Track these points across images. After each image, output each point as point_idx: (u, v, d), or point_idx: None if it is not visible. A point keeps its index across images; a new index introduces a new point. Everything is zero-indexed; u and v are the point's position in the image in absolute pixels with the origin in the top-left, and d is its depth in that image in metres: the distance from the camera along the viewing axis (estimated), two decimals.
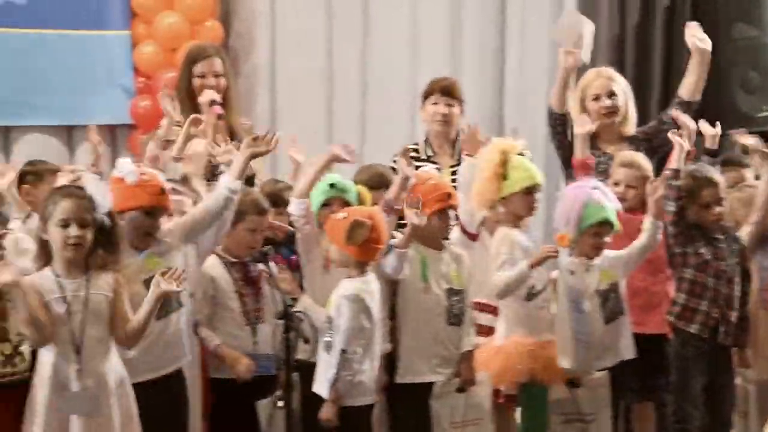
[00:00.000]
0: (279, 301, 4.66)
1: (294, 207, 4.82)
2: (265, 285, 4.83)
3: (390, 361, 4.88)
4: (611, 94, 5.66)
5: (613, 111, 5.65)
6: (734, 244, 5.21)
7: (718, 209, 5.13)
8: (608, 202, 5.01)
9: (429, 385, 4.85)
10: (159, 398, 4.33)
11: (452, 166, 5.54)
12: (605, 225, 4.98)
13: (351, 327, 4.53)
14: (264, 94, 8.25)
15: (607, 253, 5.05)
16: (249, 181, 5.05)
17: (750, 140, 5.44)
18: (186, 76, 5.49)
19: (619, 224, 5.02)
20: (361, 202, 4.95)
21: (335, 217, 4.66)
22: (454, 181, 5.36)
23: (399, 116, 7.75)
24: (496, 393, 5.04)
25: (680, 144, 5.16)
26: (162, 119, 5.29)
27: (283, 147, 5.53)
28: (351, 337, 4.53)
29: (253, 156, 4.59)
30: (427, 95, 5.76)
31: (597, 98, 5.66)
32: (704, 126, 5.47)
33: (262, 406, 4.60)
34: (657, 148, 5.63)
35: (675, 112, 5.50)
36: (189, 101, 5.38)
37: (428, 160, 5.66)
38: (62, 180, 4.69)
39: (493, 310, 5.22)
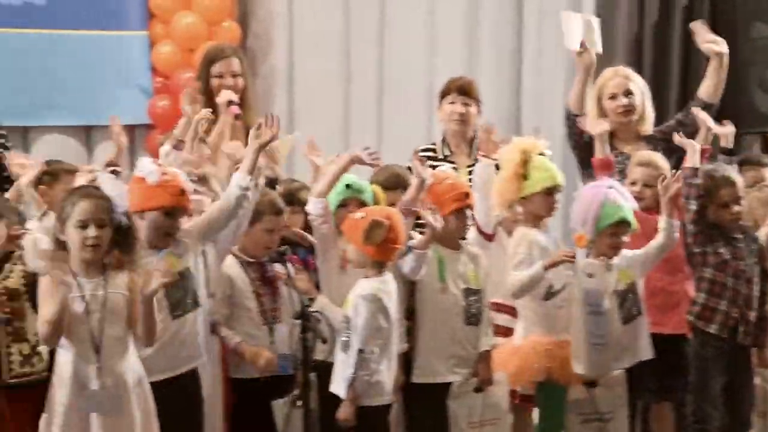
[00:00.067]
0: (296, 301, 4.67)
1: (312, 206, 4.82)
2: (281, 285, 4.84)
3: (407, 361, 4.88)
4: (628, 93, 5.65)
5: (629, 109, 5.64)
6: (753, 244, 5.20)
7: (736, 208, 5.12)
8: (625, 201, 5.00)
9: (446, 385, 4.85)
10: (174, 398, 4.33)
11: (469, 166, 5.53)
12: (623, 224, 4.97)
13: (368, 327, 4.53)
14: (281, 95, 8.26)
15: (625, 252, 5.04)
16: (271, 184, 5.06)
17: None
18: (204, 76, 5.51)
19: (637, 223, 5.01)
20: (375, 202, 4.95)
21: (353, 217, 4.66)
22: (471, 180, 5.35)
23: (416, 117, 7.74)
24: (513, 393, 5.03)
25: (690, 144, 5.15)
26: (180, 119, 5.30)
27: (301, 148, 5.56)
28: (368, 336, 4.53)
29: (262, 146, 4.56)
30: (444, 95, 5.76)
31: (614, 97, 5.65)
32: (718, 127, 5.46)
33: (279, 406, 4.61)
34: (675, 148, 5.61)
35: (695, 108, 5.49)
36: (207, 101, 5.39)
37: (445, 159, 5.66)
38: (80, 180, 4.71)
39: (510, 311, 5.22)
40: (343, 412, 4.53)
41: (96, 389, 4.03)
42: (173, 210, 4.42)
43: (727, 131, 5.49)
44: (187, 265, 4.47)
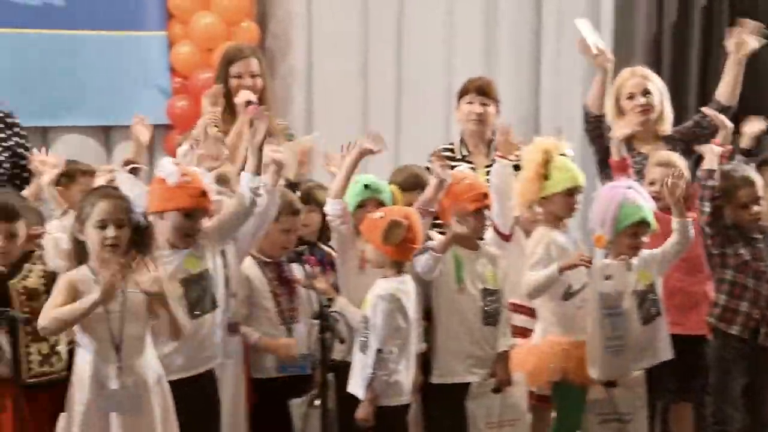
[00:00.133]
0: (314, 301, 4.68)
1: (330, 207, 4.83)
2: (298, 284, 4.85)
3: (425, 362, 4.88)
4: (646, 92, 5.64)
5: (647, 109, 5.62)
6: None
7: (755, 209, 5.10)
8: (644, 201, 4.99)
9: (465, 386, 4.84)
10: (192, 397, 4.34)
11: (487, 166, 5.51)
12: (642, 225, 4.96)
13: (387, 326, 4.53)
14: (300, 95, 8.26)
15: (642, 252, 5.02)
16: (292, 187, 5.07)
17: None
18: (223, 76, 5.51)
19: (656, 224, 4.99)
20: (394, 203, 4.96)
21: (372, 217, 4.67)
22: (488, 181, 5.35)
23: (434, 117, 7.74)
24: (531, 394, 5.03)
25: (710, 149, 5.13)
26: (199, 119, 5.30)
27: (319, 148, 5.55)
28: (387, 336, 4.54)
29: (261, 143, 4.51)
30: (462, 95, 5.75)
31: (632, 97, 5.64)
32: (749, 126, 5.44)
33: (297, 405, 4.62)
34: (693, 150, 5.60)
35: (710, 111, 5.47)
36: (225, 102, 5.39)
37: (463, 159, 5.65)
38: (99, 180, 4.73)
39: (528, 311, 5.21)
40: (362, 412, 4.53)
41: (116, 389, 4.05)
42: (193, 211, 4.42)
43: (755, 129, 5.46)
44: (207, 267, 4.48)
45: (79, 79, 7.81)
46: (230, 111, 5.33)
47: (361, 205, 4.89)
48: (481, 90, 5.71)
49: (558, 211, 5.06)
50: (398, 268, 4.64)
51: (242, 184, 4.52)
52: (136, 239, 4.15)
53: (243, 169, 4.96)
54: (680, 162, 5.35)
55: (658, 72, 6.10)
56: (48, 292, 4.26)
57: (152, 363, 4.17)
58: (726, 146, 5.28)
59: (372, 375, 4.51)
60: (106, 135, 8.05)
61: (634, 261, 5.01)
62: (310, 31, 8.26)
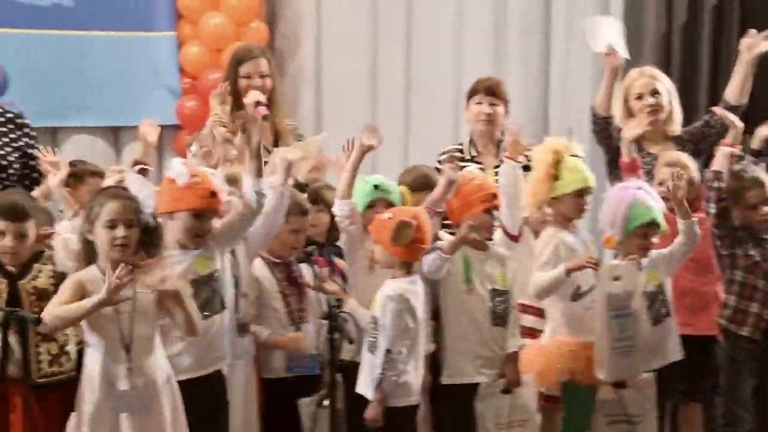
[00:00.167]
0: (323, 301, 4.68)
1: (338, 208, 4.84)
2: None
3: (433, 362, 4.88)
4: (654, 93, 5.63)
5: (656, 109, 5.62)
6: None
7: (765, 210, 5.09)
8: (654, 202, 4.98)
9: (473, 386, 4.84)
10: (201, 397, 4.35)
11: (496, 167, 5.50)
12: (652, 226, 4.95)
13: (396, 327, 4.53)
14: (309, 96, 8.26)
15: (651, 252, 5.01)
16: (300, 187, 5.07)
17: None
18: (232, 76, 5.51)
19: (666, 224, 4.98)
20: (403, 203, 4.95)
21: (380, 218, 4.67)
22: (497, 181, 5.34)
23: (443, 117, 7.73)
24: (540, 394, 5.02)
25: (722, 151, 5.12)
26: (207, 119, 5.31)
27: (328, 148, 5.56)
28: (396, 336, 4.54)
29: (257, 145, 4.50)
30: (471, 95, 5.75)
31: (640, 97, 5.63)
32: (762, 129, 5.43)
33: (306, 404, 4.62)
34: (702, 150, 5.60)
35: (721, 110, 5.46)
36: (235, 102, 5.40)
37: (472, 160, 5.65)
38: (109, 181, 4.73)
39: (537, 312, 5.21)
40: (371, 413, 4.53)
41: (126, 389, 4.05)
42: (203, 212, 4.43)
43: (766, 133, 5.45)
44: (216, 268, 4.48)
45: (88, 80, 7.83)
46: (239, 111, 5.32)
47: (370, 206, 4.89)
48: (490, 90, 5.70)
49: (567, 212, 5.05)
50: (407, 268, 4.64)
51: (245, 188, 4.51)
52: (145, 239, 4.16)
53: None
54: (689, 162, 5.34)
55: (668, 72, 6.10)
56: (57, 292, 4.27)
57: (161, 363, 4.18)
58: (736, 145, 5.27)
59: (381, 375, 4.51)
60: (116, 135, 8.06)
61: (644, 261, 5.00)
62: (319, 31, 8.26)
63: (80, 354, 4.37)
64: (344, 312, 4.51)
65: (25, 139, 5.41)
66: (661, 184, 5.28)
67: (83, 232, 4.15)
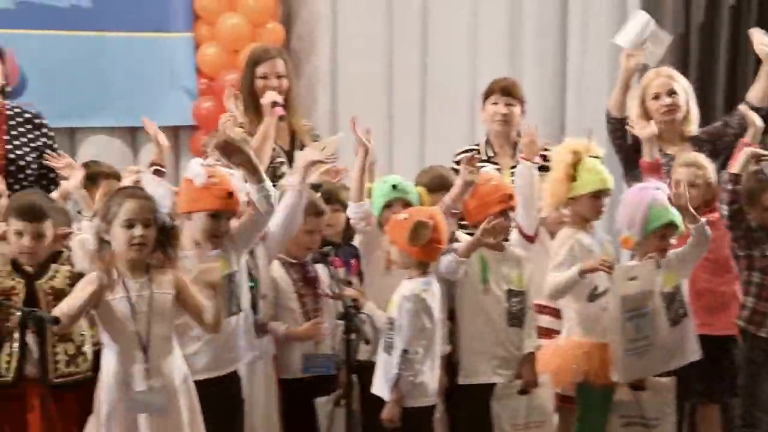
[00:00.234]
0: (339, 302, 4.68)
1: (351, 211, 4.87)
2: (323, 285, 4.85)
3: (449, 364, 4.88)
4: (671, 93, 5.62)
5: (673, 109, 5.60)
6: None
7: None
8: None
9: (490, 387, 4.84)
10: (216, 397, 4.35)
11: (512, 167, 5.51)
12: (671, 227, 4.94)
13: (412, 327, 4.53)
14: (324, 97, 8.26)
15: (668, 254, 5.00)
16: (315, 188, 5.08)
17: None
18: (249, 77, 5.52)
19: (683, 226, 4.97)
20: (420, 203, 4.95)
21: (396, 218, 4.67)
22: (513, 182, 5.34)
23: (459, 118, 7.72)
24: (557, 395, 5.01)
25: (744, 152, 5.10)
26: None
27: (344, 149, 5.55)
28: (412, 337, 4.53)
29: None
30: (487, 95, 5.75)
31: (657, 97, 5.62)
32: None
33: (323, 404, 4.63)
34: (721, 151, 5.58)
35: (744, 108, 5.44)
36: (251, 102, 5.41)
37: (488, 160, 5.64)
38: (126, 181, 4.75)
39: (553, 312, 5.20)
40: (388, 413, 4.53)
41: (143, 390, 4.05)
42: (219, 212, 4.43)
43: None
44: (233, 269, 4.48)
45: (106, 81, 7.85)
46: (256, 112, 5.34)
47: (387, 205, 4.89)
48: (506, 90, 5.70)
49: (584, 213, 5.04)
50: (423, 268, 4.64)
51: (252, 195, 4.47)
52: (162, 239, 4.17)
53: (266, 169, 5.01)
54: (706, 163, 5.33)
55: (686, 72, 6.07)
56: None
57: (179, 363, 4.18)
58: (755, 145, 5.24)
59: (397, 375, 4.51)
60: (133, 136, 8.07)
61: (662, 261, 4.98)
62: (335, 32, 8.26)
63: (97, 355, 4.37)
64: (362, 313, 4.51)
65: (43, 139, 5.43)
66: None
67: (100, 232, 4.16)
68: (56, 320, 3.96)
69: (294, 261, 4.87)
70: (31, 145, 5.37)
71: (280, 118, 5.26)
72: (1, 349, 4.35)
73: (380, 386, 4.59)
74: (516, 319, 4.91)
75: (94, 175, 5.23)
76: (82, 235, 4.53)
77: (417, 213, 4.65)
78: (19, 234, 4.49)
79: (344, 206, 4.99)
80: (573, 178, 5.00)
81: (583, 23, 7.53)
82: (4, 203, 4.78)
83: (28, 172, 5.33)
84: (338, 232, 5.14)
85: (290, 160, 5.35)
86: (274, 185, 4.96)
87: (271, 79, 5.48)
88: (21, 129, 5.38)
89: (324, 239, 4.96)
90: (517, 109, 5.69)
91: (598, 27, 7.28)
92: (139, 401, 4.06)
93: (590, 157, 5.04)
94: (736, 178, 5.06)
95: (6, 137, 5.32)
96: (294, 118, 5.51)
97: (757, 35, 5.64)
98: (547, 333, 5.18)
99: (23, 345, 4.38)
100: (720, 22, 6.83)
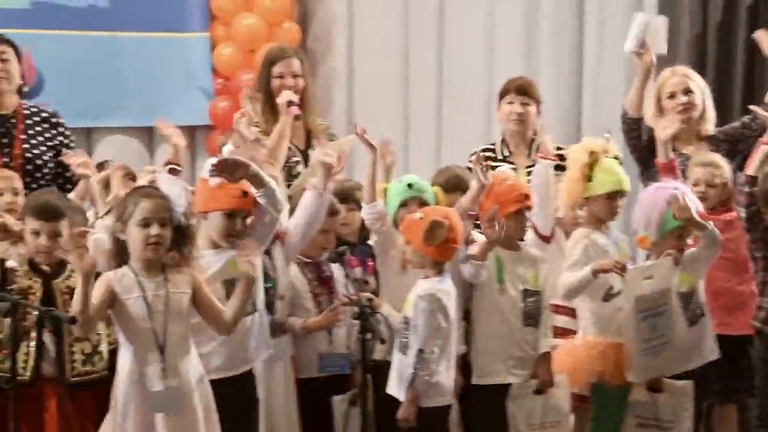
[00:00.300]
0: None
1: (365, 212, 4.88)
2: (338, 285, 4.85)
3: (464, 364, 4.87)
4: (687, 91, 5.59)
5: (689, 107, 5.58)
6: None
7: None
8: (690, 203, 4.94)
9: (505, 387, 4.83)
10: (232, 397, 4.35)
11: (528, 167, 5.50)
12: (688, 227, 4.92)
13: (428, 326, 4.53)
14: (340, 97, 8.28)
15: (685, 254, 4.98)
16: None
17: None
18: (265, 76, 5.52)
19: None
20: (436, 203, 4.95)
21: (411, 218, 4.66)
22: (529, 181, 5.33)
23: (475, 118, 7.72)
24: (573, 395, 5.00)
25: (762, 150, 5.07)
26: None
27: (360, 148, 5.56)
28: (428, 336, 4.53)
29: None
30: (503, 95, 5.73)
31: (673, 96, 5.60)
32: None
33: (339, 402, 4.63)
34: (738, 151, 5.55)
35: (758, 109, 5.41)
36: (267, 102, 5.41)
37: (504, 160, 5.64)
38: (142, 181, 4.76)
39: (569, 312, 5.19)
40: (403, 412, 4.53)
41: (160, 389, 4.04)
42: (234, 212, 4.43)
43: None
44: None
45: (122, 80, 7.88)
46: (272, 111, 5.34)
47: (403, 204, 4.89)
48: (522, 90, 5.68)
49: (599, 213, 5.03)
50: (439, 268, 4.64)
51: (260, 200, 4.43)
52: (177, 238, 4.17)
53: (282, 169, 5.01)
54: (722, 163, 5.31)
55: (703, 72, 6.06)
56: None
57: (194, 363, 4.18)
58: None
59: (413, 375, 4.51)
60: (149, 136, 8.11)
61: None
62: (351, 32, 8.27)
63: (113, 354, 4.38)
64: (377, 312, 4.51)
65: (60, 138, 5.45)
66: (696, 184, 5.25)
67: (115, 231, 4.16)
68: (73, 320, 3.96)
69: (309, 260, 4.87)
70: (48, 144, 5.39)
71: (296, 117, 5.26)
72: (18, 348, 4.36)
73: (395, 386, 4.59)
74: (531, 318, 4.90)
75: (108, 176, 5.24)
76: (97, 235, 4.54)
77: (432, 212, 4.65)
78: (36, 233, 4.50)
79: (359, 205, 5.00)
80: (589, 178, 4.99)
81: (599, 23, 7.53)
82: (20, 202, 4.80)
83: (45, 171, 5.34)
84: (354, 232, 5.15)
85: (306, 160, 5.36)
86: (288, 185, 4.98)
87: (287, 78, 5.48)
88: (38, 128, 5.40)
89: (340, 239, 4.96)
90: (532, 109, 5.68)
91: (614, 27, 7.26)
92: (156, 401, 4.05)
93: (608, 157, 5.02)
94: (752, 180, 5.03)
95: (23, 136, 5.35)
96: (310, 118, 5.51)
97: (765, 39, 5.61)
98: (564, 333, 5.17)
99: (40, 344, 4.40)
100: (737, 22, 6.81)
